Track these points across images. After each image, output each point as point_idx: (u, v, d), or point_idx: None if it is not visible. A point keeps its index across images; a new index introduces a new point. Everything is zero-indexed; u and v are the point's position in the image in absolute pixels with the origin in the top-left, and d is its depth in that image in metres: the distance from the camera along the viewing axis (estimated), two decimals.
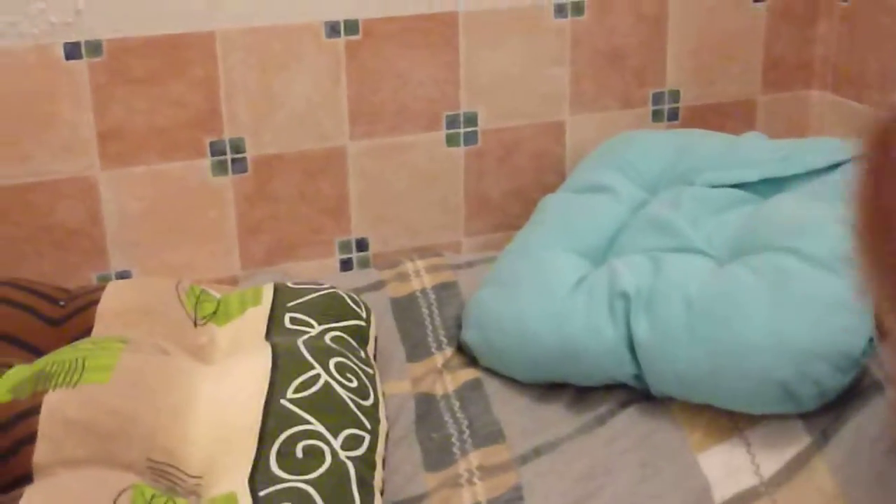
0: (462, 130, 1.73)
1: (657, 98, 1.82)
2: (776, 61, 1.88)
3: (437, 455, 1.32)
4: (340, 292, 1.46)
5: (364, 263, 1.75)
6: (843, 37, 1.85)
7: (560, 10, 1.72)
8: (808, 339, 1.25)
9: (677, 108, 1.84)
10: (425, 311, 1.57)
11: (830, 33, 1.88)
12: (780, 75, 1.89)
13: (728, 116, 1.87)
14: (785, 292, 1.29)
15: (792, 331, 1.26)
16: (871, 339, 1.26)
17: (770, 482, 1.22)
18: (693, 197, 1.50)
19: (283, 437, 1.15)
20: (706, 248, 1.43)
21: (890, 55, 1.74)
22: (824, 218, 1.37)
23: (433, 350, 1.50)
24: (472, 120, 1.73)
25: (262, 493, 1.08)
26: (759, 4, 1.83)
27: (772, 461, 1.24)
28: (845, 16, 1.84)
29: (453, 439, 1.34)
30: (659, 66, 1.80)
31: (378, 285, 1.64)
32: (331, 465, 1.13)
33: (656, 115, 1.83)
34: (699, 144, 1.63)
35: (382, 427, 1.26)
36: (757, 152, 1.56)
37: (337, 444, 1.16)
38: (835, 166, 1.48)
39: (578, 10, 1.72)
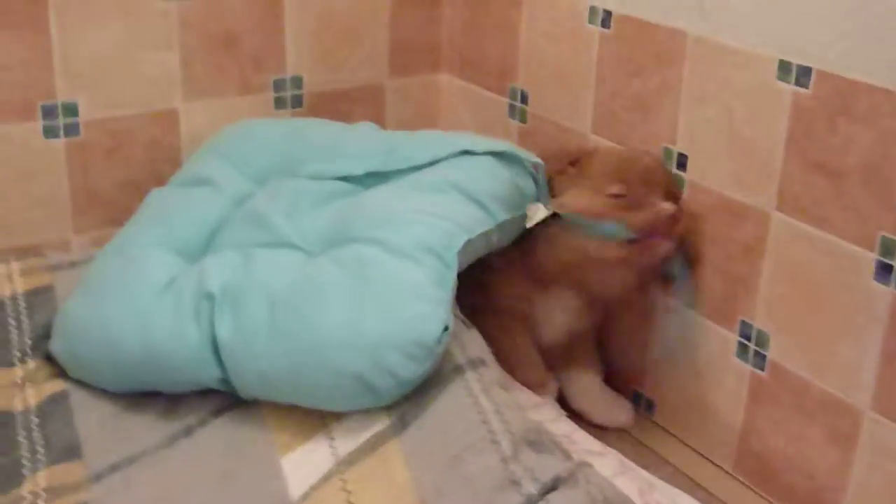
0: (61, 121, 1.67)
1: (278, 84, 1.83)
2: (402, 45, 1.93)
3: (2, 479, 1.28)
4: None
5: None
6: (467, 22, 1.93)
7: None
8: (380, 329, 1.29)
9: (301, 94, 1.85)
10: (12, 319, 1.50)
11: (455, 17, 1.95)
12: (407, 59, 1.94)
13: (356, 102, 1.91)
14: (363, 283, 1.33)
15: (366, 322, 1.30)
16: (446, 328, 1.32)
17: (343, 461, 1.26)
18: (293, 189, 1.52)
19: None
20: (300, 241, 1.44)
21: (505, 42, 1.83)
22: (413, 209, 1.43)
23: (15, 362, 1.45)
24: (71, 110, 1.67)
25: None
26: None
27: (349, 443, 1.29)
28: (466, 0, 1.92)
29: (24, 460, 1.31)
30: (278, 51, 1.81)
31: None
32: None
33: (279, 103, 1.84)
34: (310, 134, 1.64)
35: None
36: (364, 144, 1.59)
37: None
38: (436, 161, 1.53)
39: None
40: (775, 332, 1.45)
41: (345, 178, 1.55)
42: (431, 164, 1.53)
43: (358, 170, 1.55)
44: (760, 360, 1.47)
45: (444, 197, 1.46)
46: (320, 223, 1.47)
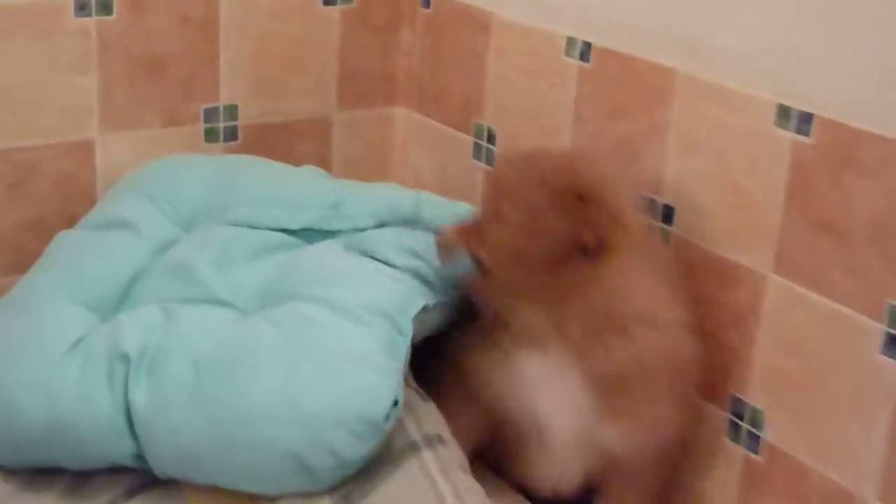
0: None
1: (210, 114, 1.71)
2: (353, 74, 1.82)
3: None
4: None
5: None
6: (427, 50, 1.83)
7: (82, 8, 1.56)
8: (320, 401, 1.20)
9: (235, 126, 1.73)
10: None
11: (414, 44, 1.85)
12: (359, 90, 1.83)
13: (299, 137, 1.79)
14: (303, 347, 1.23)
15: (304, 392, 1.20)
16: (396, 402, 1.22)
17: None
18: (223, 237, 1.41)
19: None
20: (231, 298, 1.34)
21: (471, 74, 1.73)
22: (364, 266, 1.34)
23: None
24: None
25: None
26: (330, 8, 1.76)
27: None
28: (428, 25, 1.82)
29: None
30: (211, 77, 1.69)
31: None
32: None
33: (210, 135, 1.71)
34: (246, 175, 1.54)
35: None
36: (305, 194, 1.49)
37: None
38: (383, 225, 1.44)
39: (106, 8, 1.58)
40: (771, 409, 1.35)
41: (282, 230, 1.45)
42: (377, 227, 1.44)
43: (293, 224, 1.45)
44: (754, 441, 1.37)
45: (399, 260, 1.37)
46: (254, 278, 1.37)
